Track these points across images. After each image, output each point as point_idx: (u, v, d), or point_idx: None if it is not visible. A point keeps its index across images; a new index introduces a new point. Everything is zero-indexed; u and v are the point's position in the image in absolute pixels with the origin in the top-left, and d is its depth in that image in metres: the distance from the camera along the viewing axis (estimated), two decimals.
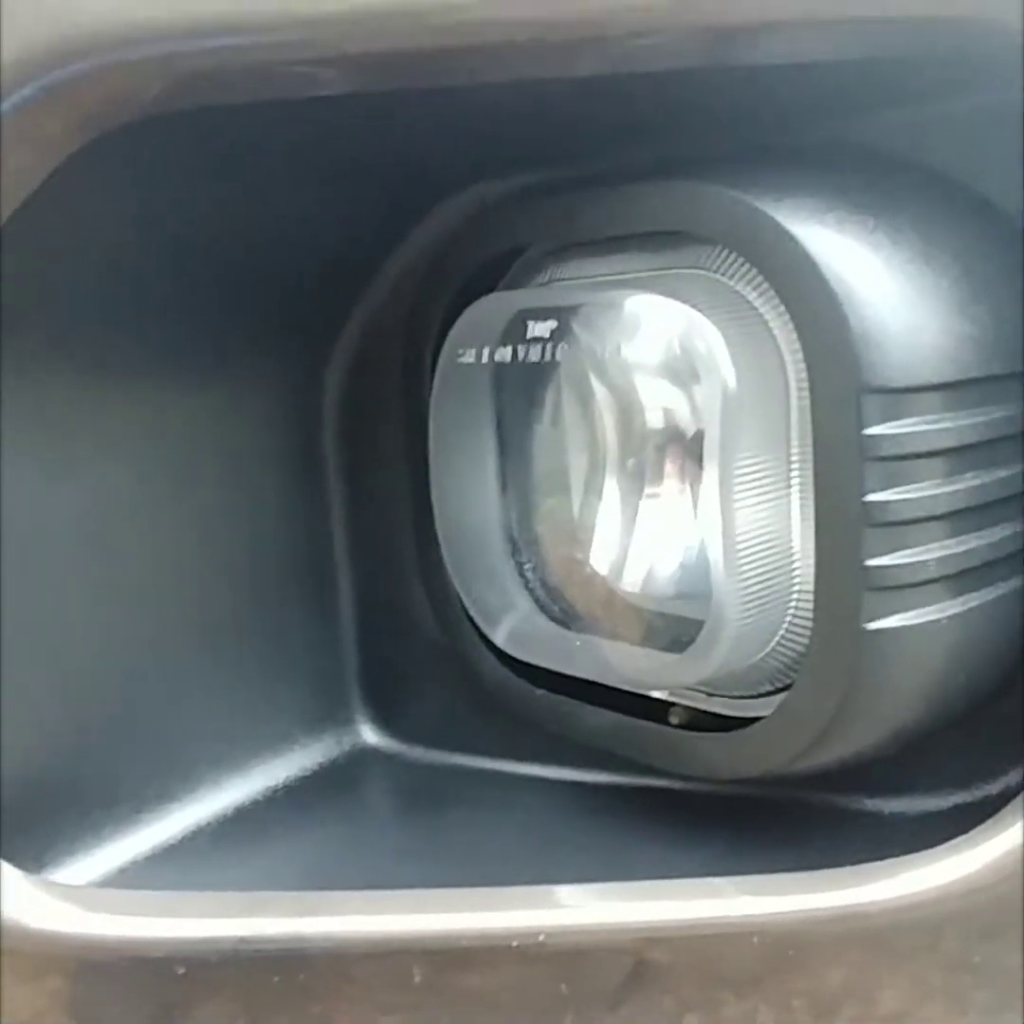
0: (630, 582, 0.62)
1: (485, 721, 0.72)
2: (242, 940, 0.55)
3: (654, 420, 0.57)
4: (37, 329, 0.58)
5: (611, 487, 0.60)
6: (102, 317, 0.61)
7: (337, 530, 0.74)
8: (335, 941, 0.55)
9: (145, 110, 0.49)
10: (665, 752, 0.63)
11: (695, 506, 0.57)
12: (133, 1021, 0.55)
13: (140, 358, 0.64)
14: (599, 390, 0.59)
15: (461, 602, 0.68)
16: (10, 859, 0.55)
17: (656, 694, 0.65)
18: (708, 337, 0.53)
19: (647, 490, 0.58)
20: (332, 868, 0.65)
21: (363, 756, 0.75)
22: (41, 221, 0.52)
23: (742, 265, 0.55)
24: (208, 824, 0.68)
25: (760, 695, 0.61)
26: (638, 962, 0.53)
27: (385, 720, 0.76)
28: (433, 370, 0.65)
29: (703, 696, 0.63)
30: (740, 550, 0.55)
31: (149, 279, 0.62)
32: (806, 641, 0.56)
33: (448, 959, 0.53)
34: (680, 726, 0.64)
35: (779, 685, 0.60)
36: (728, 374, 0.53)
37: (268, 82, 0.50)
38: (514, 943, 0.53)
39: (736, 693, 0.62)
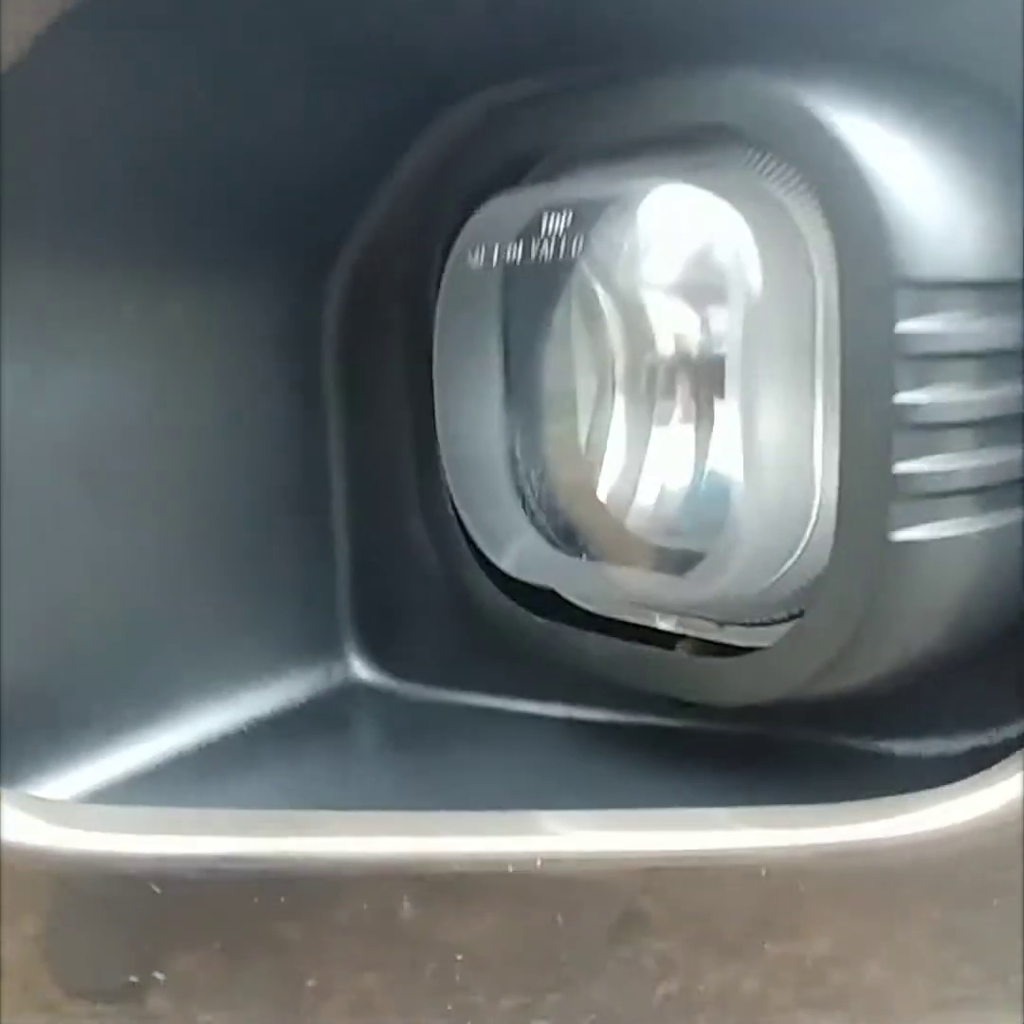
0: (641, 505, 0.59)
1: (481, 656, 0.69)
2: (223, 858, 0.53)
3: (676, 319, 0.54)
4: (25, 218, 0.55)
5: (622, 398, 0.57)
6: (93, 206, 0.58)
7: (334, 453, 0.71)
8: (321, 862, 0.52)
9: None
10: (672, 678, 0.60)
11: (711, 415, 0.55)
12: (106, 938, 0.53)
13: (133, 254, 0.61)
14: (615, 293, 0.56)
15: (462, 529, 0.65)
16: None
17: (663, 626, 0.62)
18: (735, 229, 0.50)
19: (662, 391, 0.55)
20: (316, 802, 0.62)
21: (354, 690, 0.72)
22: (26, 97, 0.49)
23: (769, 159, 0.53)
24: (188, 751, 0.65)
25: (773, 623, 0.58)
26: (638, 893, 0.50)
27: (377, 654, 0.73)
28: (438, 286, 0.62)
29: (713, 626, 0.61)
30: (760, 460, 0.52)
31: (141, 170, 0.59)
32: (825, 562, 0.53)
33: (440, 883, 0.51)
34: None
35: (793, 613, 0.57)
36: (754, 269, 0.50)
37: None
38: (510, 868, 0.50)
39: (748, 621, 0.59)
